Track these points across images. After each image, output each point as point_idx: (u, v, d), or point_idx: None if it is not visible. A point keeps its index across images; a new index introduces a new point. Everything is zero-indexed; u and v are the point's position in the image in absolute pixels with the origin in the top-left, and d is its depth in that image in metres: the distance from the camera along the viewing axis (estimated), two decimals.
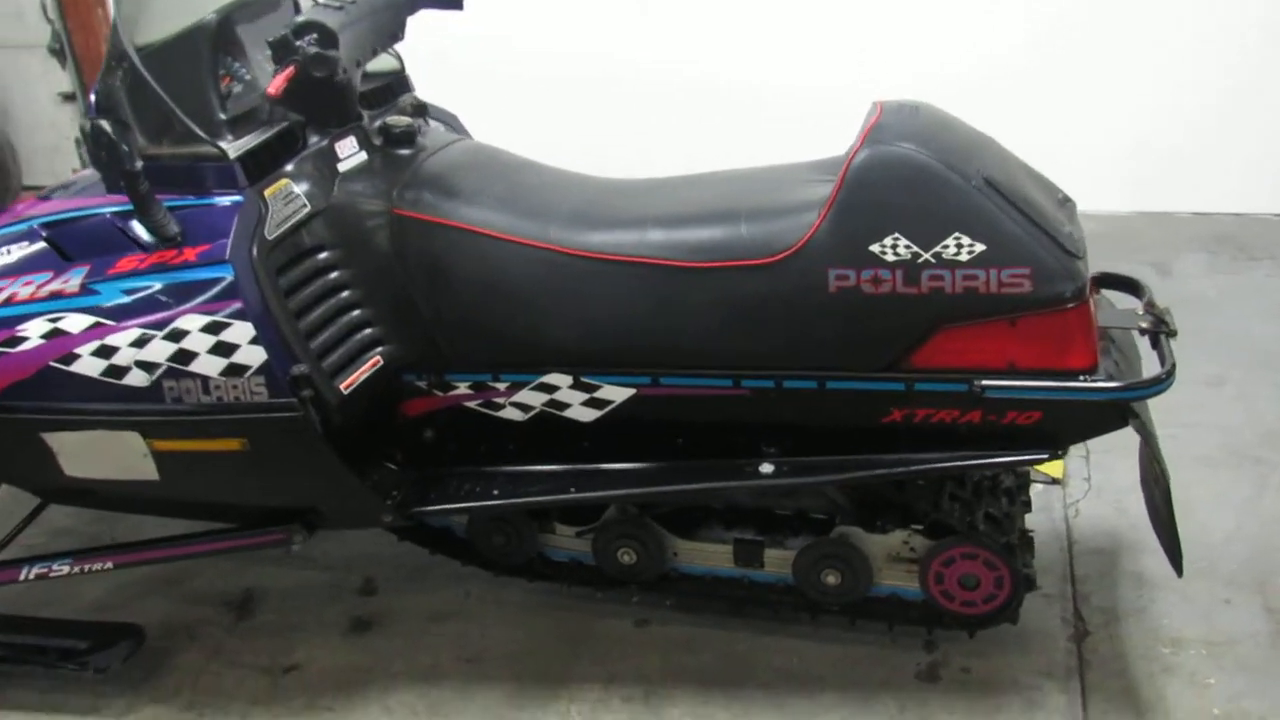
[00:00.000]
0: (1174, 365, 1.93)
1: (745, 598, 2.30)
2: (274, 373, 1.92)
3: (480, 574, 2.47)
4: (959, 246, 1.83)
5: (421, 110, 2.37)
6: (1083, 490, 2.76)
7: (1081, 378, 1.86)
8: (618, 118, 4.83)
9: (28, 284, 2.03)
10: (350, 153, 2.14)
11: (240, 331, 1.91)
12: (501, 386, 2.14)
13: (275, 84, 1.92)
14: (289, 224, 2.01)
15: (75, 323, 1.97)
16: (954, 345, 1.89)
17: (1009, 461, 1.98)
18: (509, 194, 2.14)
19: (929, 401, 1.94)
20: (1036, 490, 2.76)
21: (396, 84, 2.42)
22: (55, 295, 2.00)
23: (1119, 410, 1.90)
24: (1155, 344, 2.03)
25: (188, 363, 1.94)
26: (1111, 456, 2.88)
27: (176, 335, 1.93)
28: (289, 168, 2.06)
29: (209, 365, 1.93)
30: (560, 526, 2.36)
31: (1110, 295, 2.27)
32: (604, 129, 4.80)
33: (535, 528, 2.36)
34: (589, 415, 2.12)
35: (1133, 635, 2.28)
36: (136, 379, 1.96)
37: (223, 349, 1.92)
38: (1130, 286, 2.23)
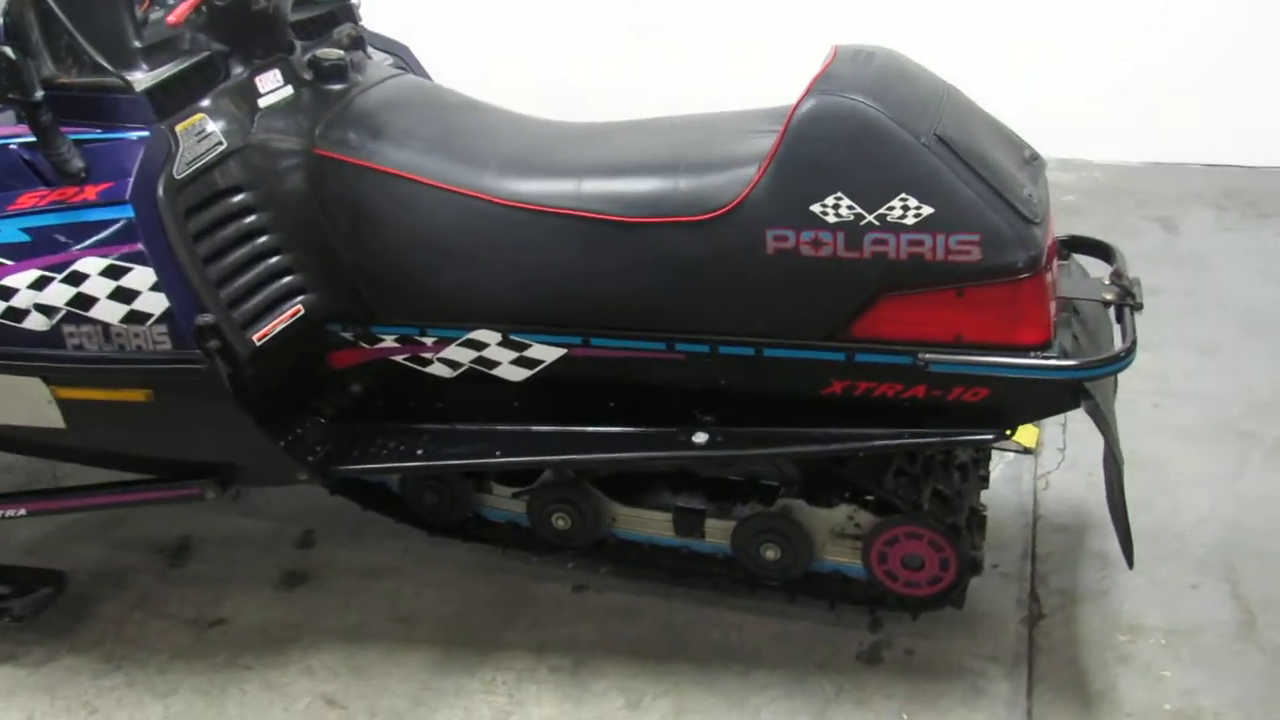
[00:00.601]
0: (1134, 342, 1.79)
1: (684, 568, 2.21)
2: (177, 322, 1.81)
3: (420, 531, 2.39)
4: (905, 209, 1.69)
5: (359, 43, 2.23)
6: (1055, 461, 2.64)
7: (1033, 354, 1.73)
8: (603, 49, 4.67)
9: None
10: (273, 87, 2.01)
11: (141, 277, 1.80)
12: (428, 341, 2.03)
13: (177, 11, 1.80)
14: (201, 163, 1.88)
15: None
16: (898, 315, 1.76)
17: (951, 441, 1.85)
18: (441, 136, 2.01)
19: (871, 374, 1.82)
20: (1007, 460, 2.64)
21: (341, 13, 2.28)
22: None
23: (1071, 390, 1.77)
24: (1120, 318, 1.89)
25: (88, 308, 1.84)
26: (1089, 425, 2.75)
27: (76, 278, 1.83)
28: (205, 102, 1.93)
29: (109, 311, 1.83)
30: (497, 487, 2.27)
31: (1083, 261, 2.14)
32: (586, 63, 4.65)
33: (471, 487, 2.27)
34: (518, 375, 2.01)
35: (1089, 620, 2.17)
36: (36, 323, 1.87)
37: (123, 295, 1.82)
38: (1101, 251, 2.09)
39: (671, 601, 2.25)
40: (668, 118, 2.07)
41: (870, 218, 1.70)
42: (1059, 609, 2.21)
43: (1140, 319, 3.17)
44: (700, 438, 1.93)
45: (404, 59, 2.44)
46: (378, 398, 2.13)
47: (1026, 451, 2.66)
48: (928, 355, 1.76)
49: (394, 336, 2.05)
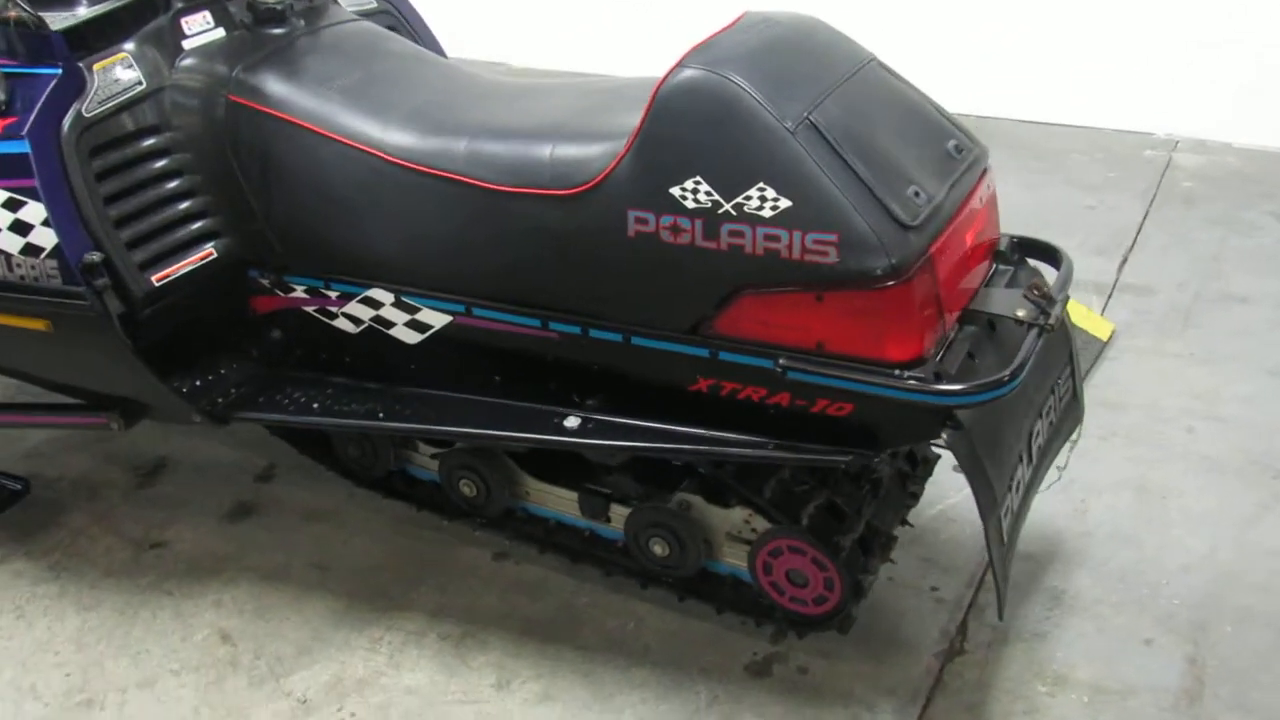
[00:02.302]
0: (1021, 367, 1.56)
1: (585, 551, 2.13)
2: (66, 258, 1.85)
3: None
4: (762, 200, 1.53)
5: None
6: (1050, 480, 2.38)
7: (896, 372, 1.54)
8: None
9: None
10: (200, 29, 2.01)
11: (35, 211, 1.85)
12: (333, 295, 2.01)
13: None
14: (115, 102, 1.91)
15: None
16: (758, 314, 1.61)
17: (804, 458, 1.68)
18: (358, 87, 1.97)
19: (735, 374, 1.68)
20: None
21: None
22: None
23: (940, 417, 1.57)
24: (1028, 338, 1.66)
25: (12, 235, 1.90)
26: (1107, 445, 2.49)
27: None
28: (129, 43, 1.95)
29: (9, 242, 1.89)
30: (422, 445, 2.24)
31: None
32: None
33: (395, 443, 2.25)
34: (412, 337, 1.97)
35: (1013, 663, 1.97)
36: (9, 241, 1.94)
37: (19, 227, 1.87)
38: (1048, 255, 1.85)
39: (582, 583, 2.18)
40: (582, 80, 1.95)
41: (727, 206, 1.55)
42: (984, 646, 2.01)
43: (1214, 328, 2.86)
44: (572, 422, 1.84)
45: (400, 13, 2.41)
46: (295, 346, 2.13)
47: None
48: (786, 361, 1.60)
49: (303, 287, 2.04)
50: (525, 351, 1.85)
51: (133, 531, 2.42)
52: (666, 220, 1.60)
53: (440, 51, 2.49)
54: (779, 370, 1.61)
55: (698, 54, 1.59)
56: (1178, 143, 3.90)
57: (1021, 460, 1.73)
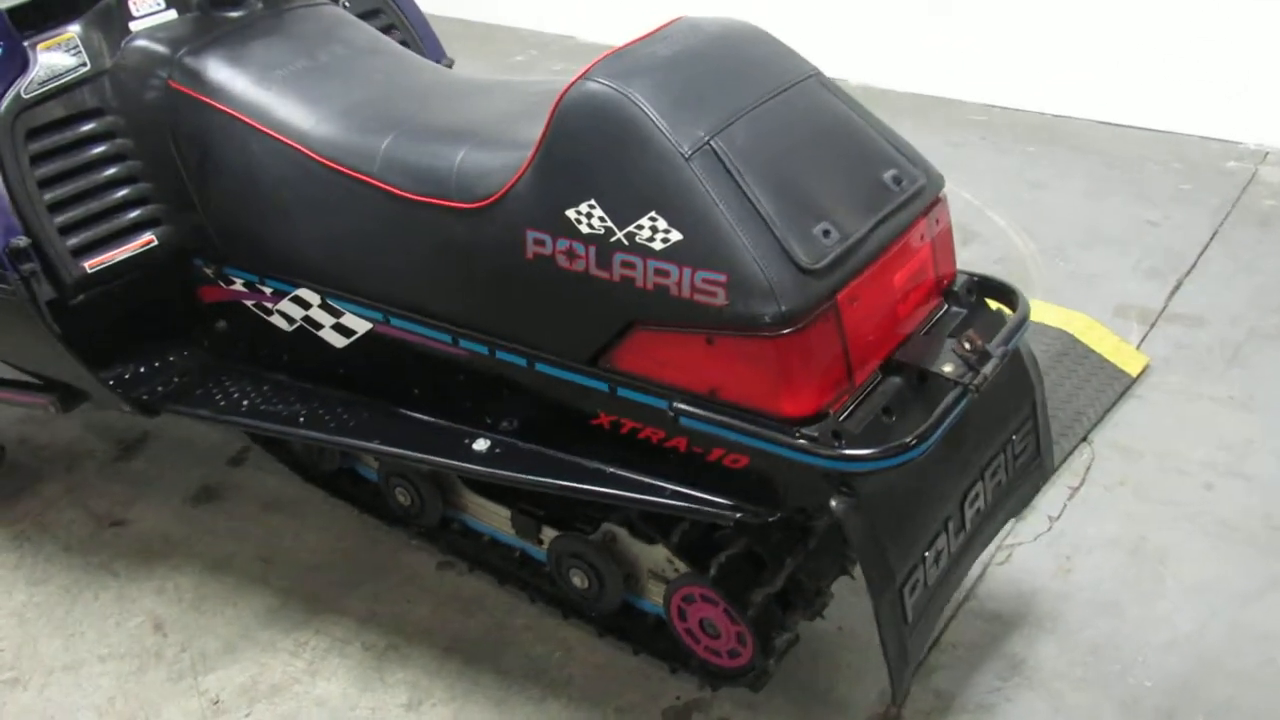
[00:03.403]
0: (930, 432, 1.40)
1: (512, 572, 2.04)
2: None
3: None
4: (653, 230, 1.40)
5: None
6: (1037, 531, 2.20)
7: (787, 428, 1.40)
8: None
9: None
10: (150, 10, 1.96)
11: None
12: (268, 291, 1.95)
13: None
14: (56, 83, 1.88)
15: None
16: (651, 352, 1.48)
17: (691, 510, 1.55)
18: (298, 77, 1.89)
19: (632, 412, 1.56)
20: None
21: None
22: None
23: (832, 481, 1.42)
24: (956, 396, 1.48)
25: None
26: (1110, 496, 2.28)
27: None
28: (76, 23, 1.92)
29: None
30: None
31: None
32: None
33: None
34: (339, 341, 1.90)
35: None
36: None
37: None
38: (1005, 297, 1.66)
39: (519, 602, 2.10)
40: (519, 81, 1.84)
41: (620, 235, 1.43)
42: (923, 714, 1.85)
43: (1262, 370, 2.60)
44: (480, 445, 1.74)
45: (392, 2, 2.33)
46: (238, 339, 2.08)
47: None
48: (679, 405, 1.48)
49: (241, 281, 1.98)
50: (439, 367, 1.76)
51: (98, 506, 2.42)
52: (562, 244, 1.48)
53: (435, 42, 2.41)
54: (672, 414, 1.48)
55: (606, 63, 1.47)
56: (1267, 154, 3.56)
57: (947, 529, 1.57)
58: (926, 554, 1.52)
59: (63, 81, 1.88)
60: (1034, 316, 2.66)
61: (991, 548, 2.16)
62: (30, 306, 1.86)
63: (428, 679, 1.97)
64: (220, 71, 1.89)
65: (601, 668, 1.97)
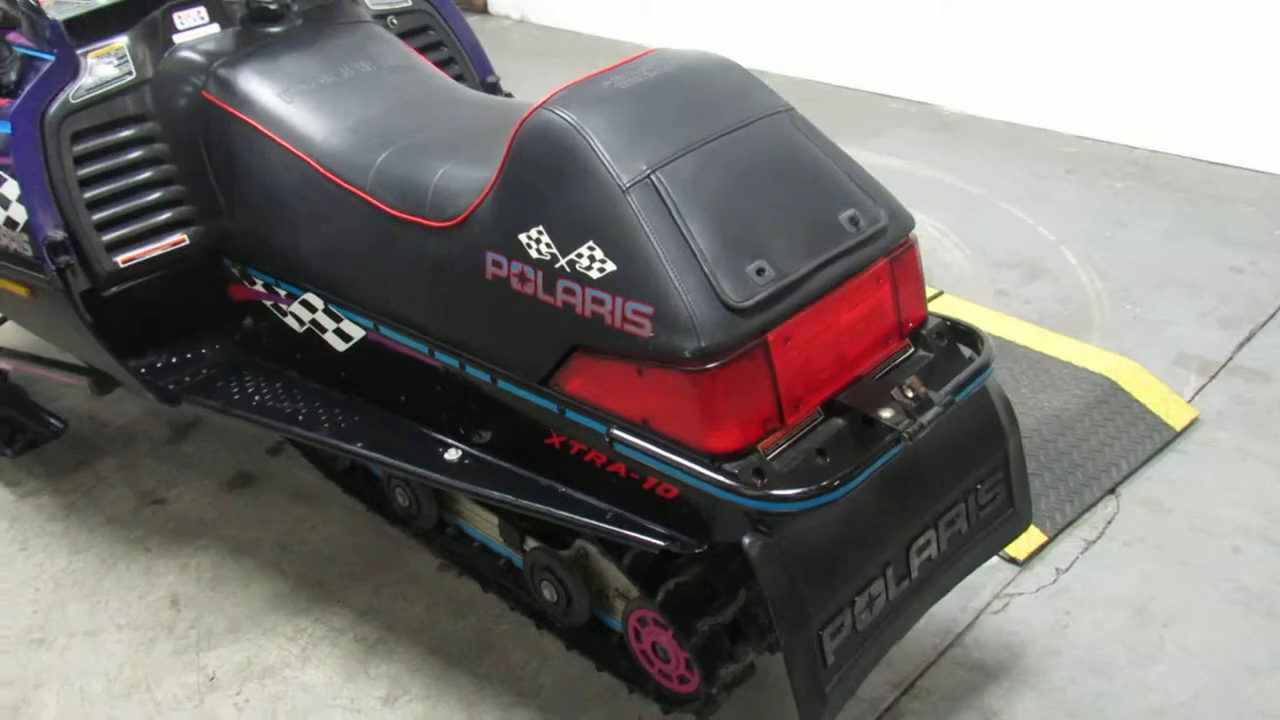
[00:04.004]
0: (845, 479, 1.38)
1: (496, 580, 2.08)
2: (34, 233, 1.98)
3: None
4: (591, 260, 1.43)
5: None
6: (1041, 582, 2.13)
7: (709, 464, 1.41)
8: None
9: None
10: (194, 24, 2.08)
11: (12, 188, 1.98)
12: (282, 293, 2.05)
13: None
14: (103, 90, 2.02)
15: None
16: (590, 378, 1.51)
17: (627, 536, 1.56)
18: (322, 93, 1.98)
19: (578, 435, 1.59)
20: (987, 565, 2.17)
21: None
22: None
23: (750, 518, 1.42)
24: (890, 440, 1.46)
25: None
26: (1127, 552, 2.19)
27: None
28: (124, 36, 2.05)
29: (4, 212, 2.04)
30: None
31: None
32: None
33: None
34: (340, 345, 1.98)
35: None
36: None
37: (2, 200, 2.01)
38: (969, 340, 1.63)
39: (506, 609, 2.14)
40: (502, 100, 1.89)
41: (563, 262, 1.46)
42: None
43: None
44: (451, 455, 1.80)
45: (439, 13, 2.41)
46: (262, 336, 2.19)
47: (1011, 561, 2.17)
48: (615, 432, 1.50)
49: (261, 282, 2.09)
50: (421, 377, 1.83)
51: (144, 484, 2.58)
52: (515, 267, 1.52)
53: (483, 59, 2.48)
54: (608, 440, 1.51)
55: (567, 92, 1.50)
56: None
57: (886, 575, 1.54)
58: (857, 599, 1.50)
59: (108, 89, 2.02)
60: (1079, 361, 2.62)
61: (987, 595, 2.11)
62: (64, 296, 2.00)
63: (408, 675, 2.04)
64: (248, 84, 1.99)
65: (573, 681, 2.00)
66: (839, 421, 1.50)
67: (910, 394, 1.45)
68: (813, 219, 1.49)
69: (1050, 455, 2.35)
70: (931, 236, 3.41)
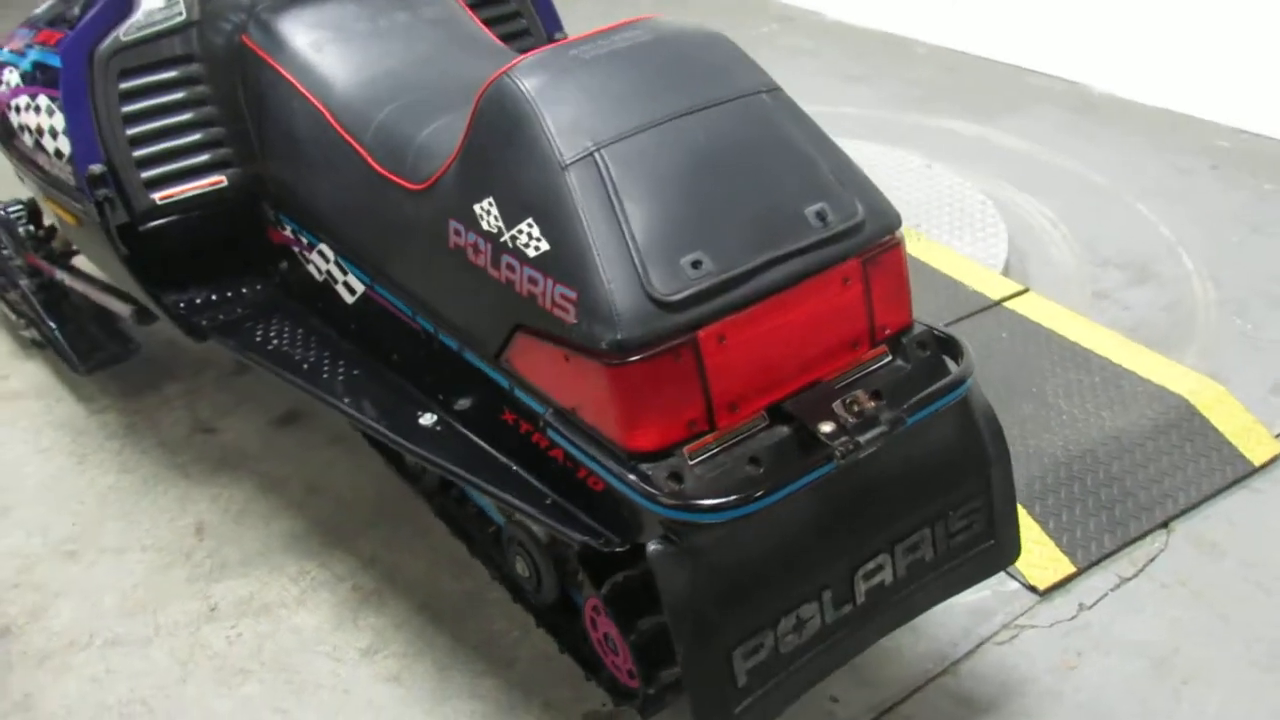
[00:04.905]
0: (751, 498, 1.28)
1: (485, 549, 2.06)
2: (77, 165, 2.05)
3: None
4: (529, 237, 1.38)
5: None
6: (1057, 617, 1.97)
7: (620, 462, 1.34)
8: None
9: (21, 38, 2.35)
10: None
11: (60, 120, 2.06)
12: (305, 240, 2.07)
13: None
14: (154, 29, 2.06)
15: (9, 78, 2.26)
16: (530, 358, 1.46)
17: (551, 527, 1.50)
18: (352, 41, 1.98)
19: (524, 414, 1.54)
20: (1005, 588, 2.03)
21: None
22: (15, 51, 2.29)
23: (664, 523, 1.34)
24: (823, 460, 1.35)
25: (42, 136, 2.15)
26: (1163, 595, 2.01)
27: (38, 110, 2.14)
28: None
29: (50, 144, 2.12)
30: None
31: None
32: None
33: None
34: (349, 297, 1.99)
35: None
36: (28, 141, 2.22)
37: (53, 131, 2.10)
38: (950, 350, 1.49)
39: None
40: None
41: (506, 236, 1.41)
42: None
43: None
44: (426, 420, 1.79)
45: None
46: (293, 280, 2.22)
47: (1031, 589, 2.02)
48: (548, 417, 1.45)
49: (289, 228, 2.12)
50: (408, 339, 1.82)
51: (201, 412, 2.68)
52: (471, 238, 1.49)
53: (549, 8, 2.43)
54: (542, 424, 1.46)
55: (534, 58, 1.45)
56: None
57: (820, 599, 1.44)
58: (783, 620, 1.41)
59: (157, 29, 2.06)
60: (1160, 378, 2.40)
61: (997, 622, 1.97)
62: (102, 228, 2.07)
63: (393, 630, 2.06)
64: (283, 29, 2.00)
65: (548, 658, 1.97)
66: (783, 430, 1.40)
67: (856, 409, 1.34)
68: (772, 210, 1.39)
69: (1099, 479, 2.16)
70: (1039, 227, 3.19)
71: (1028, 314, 2.62)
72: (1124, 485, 2.16)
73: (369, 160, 1.73)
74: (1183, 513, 2.15)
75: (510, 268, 1.41)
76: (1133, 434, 2.26)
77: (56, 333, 2.72)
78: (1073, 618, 1.97)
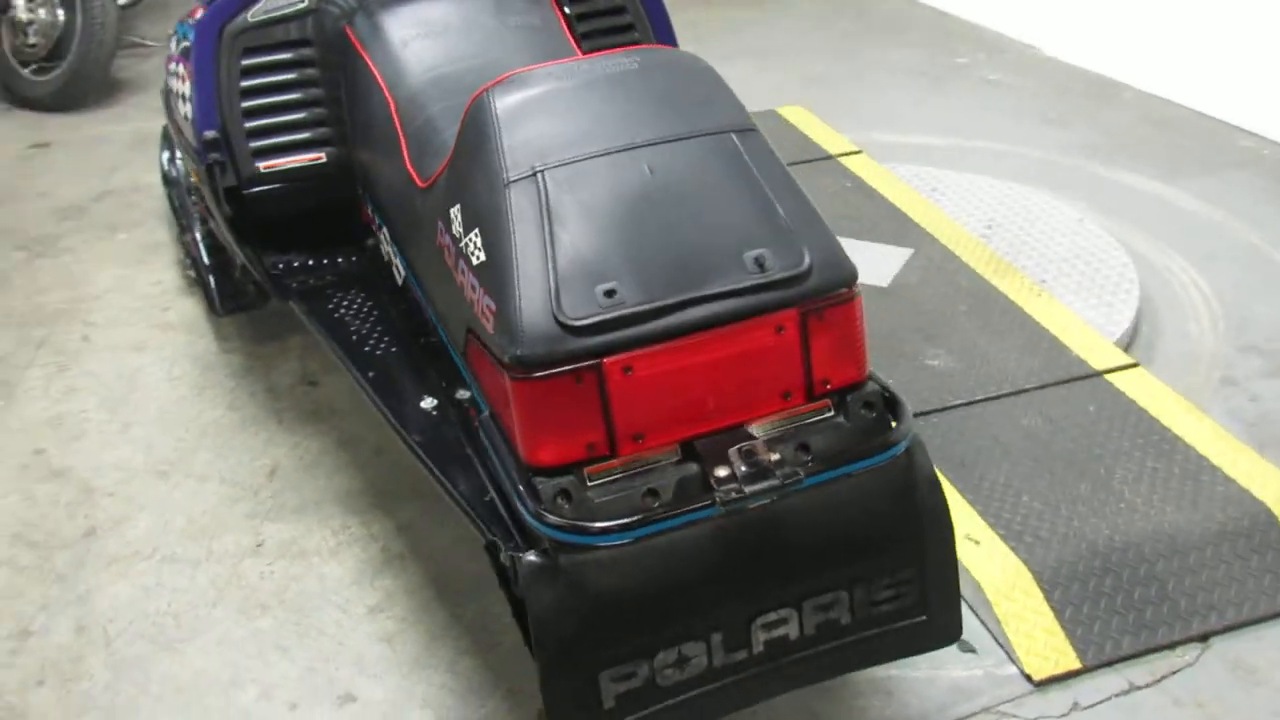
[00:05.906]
0: (608, 529, 1.29)
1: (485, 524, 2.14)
2: (197, 129, 2.28)
3: None
4: (475, 246, 1.45)
5: None
6: (1047, 711, 1.86)
7: (532, 476, 1.38)
8: None
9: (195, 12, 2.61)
10: None
11: (189, 87, 2.29)
12: (377, 221, 2.22)
13: None
14: (278, 12, 2.26)
15: (174, 47, 2.53)
16: (476, 360, 1.53)
17: (474, 522, 1.55)
18: (433, 39, 2.11)
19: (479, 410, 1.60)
20: (997, 674, 1.93)
21: None
22: (182, 23, 2.56)
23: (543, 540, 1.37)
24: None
25: (181, 101, 2.39)
26: (1174, 715, 1.86)
27: (180, 78, 2.38)
28: None
29: (183, 107, 2.36)
30: None
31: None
32: None
33: None
34: (399, 279, 2.12)
35: None
36: (175, 104, 2.48)
37: (186, 97, 2.33)
38: (890, 406, 1.44)
39: None
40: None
41: (464, 242, 1.49)
42: None
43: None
44: (427, 403, 1.88)
45: None
46: (376, 257, 2.37)
47: (1026, 678, 1.91)
48: (483, 420, 1.51)
49: (370, 208, 2.27)
50: (427, 324, 1.92)
51: (311, 365, 2.90)
52: (447, 239, 1.57)
53: (663, 22, 2.47)
54: (477, 425, 1.52)
55: (519, 76, 1.51)
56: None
57: (708, 640, 1.43)
58: (662, 653, 1.42)
59: (282, 13, 2.26)
60: (1245, 480, 2.20)
61: (978, 704, 1.88)
62: (209, 188, 2.29)
63: (402, 594, 2.18)
64: (381, 23, 2.15)
65: (523, 653, 2.03)
66: (693, 467, 1.41)
67: (749, 460, 1.34)
68: (707, 250, 1.39)
69: (1137, 577, 2.01)
70: (1188, 300, 2.97)
71: (1126, 390, 2.46)
72: (1165, 588, 2.01)
73: (404, 153, 1.84)
74: (1227, 629, 1.97)
75: (463, 272, 1.49)
76: (1193, 535, 2.08)
77: (208, 274, 3.01)
78: (1062, 715, 1.86)
